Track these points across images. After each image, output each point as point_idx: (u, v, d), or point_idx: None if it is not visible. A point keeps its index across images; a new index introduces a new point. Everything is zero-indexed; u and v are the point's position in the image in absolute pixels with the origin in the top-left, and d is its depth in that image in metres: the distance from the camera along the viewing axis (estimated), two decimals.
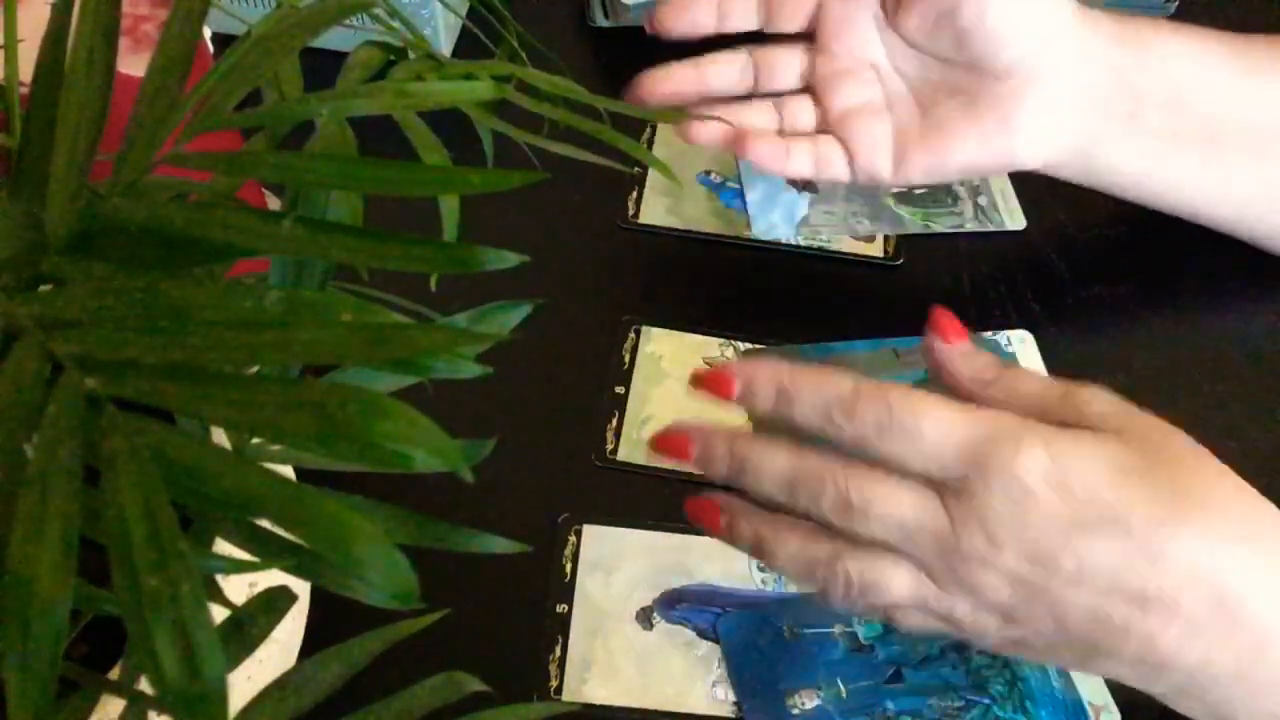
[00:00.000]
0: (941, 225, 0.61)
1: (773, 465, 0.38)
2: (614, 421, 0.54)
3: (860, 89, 0.52)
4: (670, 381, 0.55)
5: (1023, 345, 0.56)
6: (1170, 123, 0.51)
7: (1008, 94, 0.49)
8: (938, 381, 0.41)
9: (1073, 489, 0.35)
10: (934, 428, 0.36)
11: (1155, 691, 0.37)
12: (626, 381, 0.55)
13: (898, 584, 0.37)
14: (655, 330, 0.57)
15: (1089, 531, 0.35)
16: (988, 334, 0.56)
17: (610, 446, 0.53)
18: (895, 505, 0.36)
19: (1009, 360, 0.53)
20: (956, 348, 0.40)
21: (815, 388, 0.37)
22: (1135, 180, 0.53)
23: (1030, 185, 0.61)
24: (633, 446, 0.53)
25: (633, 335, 0.57)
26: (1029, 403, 0.37)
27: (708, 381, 0.40)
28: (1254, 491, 0.37)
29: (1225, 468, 0.37)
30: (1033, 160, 0.51)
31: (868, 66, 0.52)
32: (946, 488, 0.36)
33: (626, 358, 0.56)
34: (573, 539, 0.50)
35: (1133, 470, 0.35)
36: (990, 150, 0.51)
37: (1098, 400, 0.37)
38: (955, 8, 0.48)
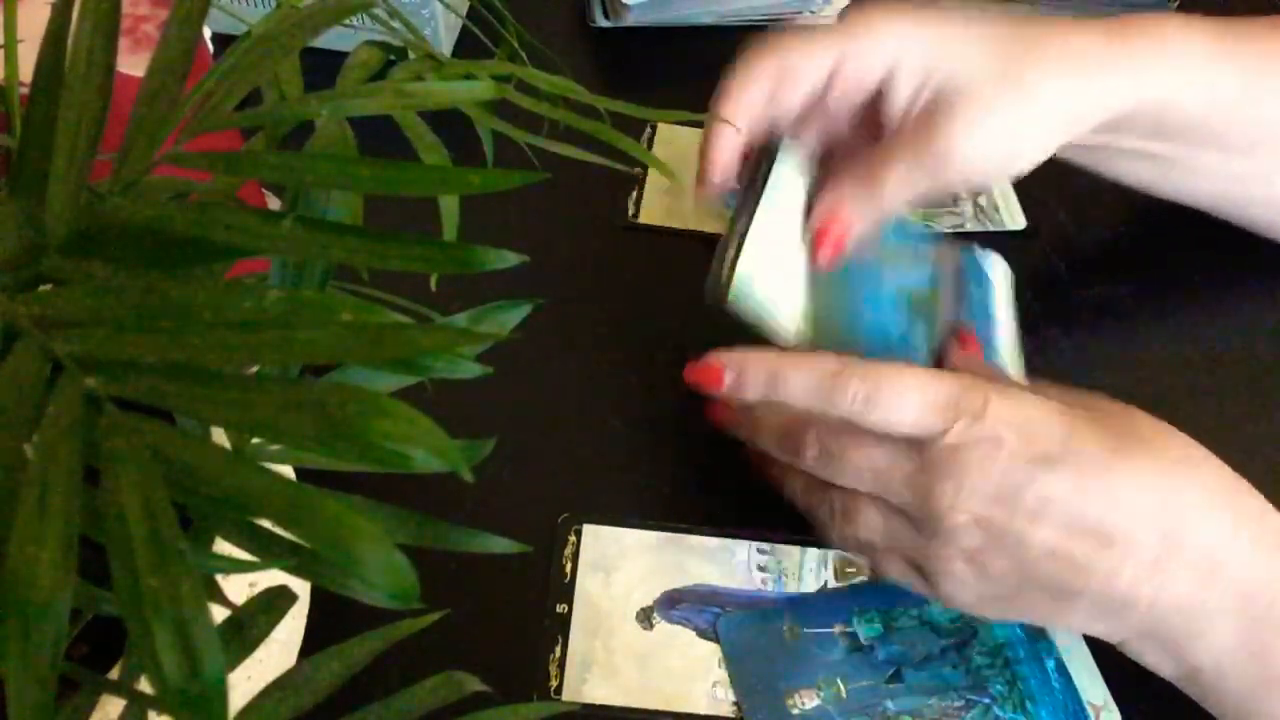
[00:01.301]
0: (941, 225, 0.61)
1: (768, 422, 0.44)
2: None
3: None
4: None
5: (992, 265, 0.54)
6: (1143, 140, 0.51)
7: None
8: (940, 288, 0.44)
9: (1035, 433, 0.38)
10: (915, 396, 0.39)
11: (1122, 640, 0.40)
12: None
13: (871, 516, 0.42)
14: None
15: (1047, 469, 0.38)
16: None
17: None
18: (867, 457, 0.41)
19: (982, 279, 0.53)
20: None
21: (803, 370, 0.41)
22: (1092, 165, 0.54)
23: (1030, 185, 0.61)
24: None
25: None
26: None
27: (698, 374, 0.43)
28: (1202, 449, 0.40)
29: (1182, 435, 0.40)
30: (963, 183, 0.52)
31: None
32: (922, 442, 0.39)
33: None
34: (573, 539, 0.50)
35: (1090, 420, 0.39)
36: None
37: (1059, 389, 0.40)
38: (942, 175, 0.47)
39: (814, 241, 0.47)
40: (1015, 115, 0.46)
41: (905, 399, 0.39)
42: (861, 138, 0.50)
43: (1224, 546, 0.38)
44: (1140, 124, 0.49)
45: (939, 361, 0.47)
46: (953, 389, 0.39)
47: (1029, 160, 0.47)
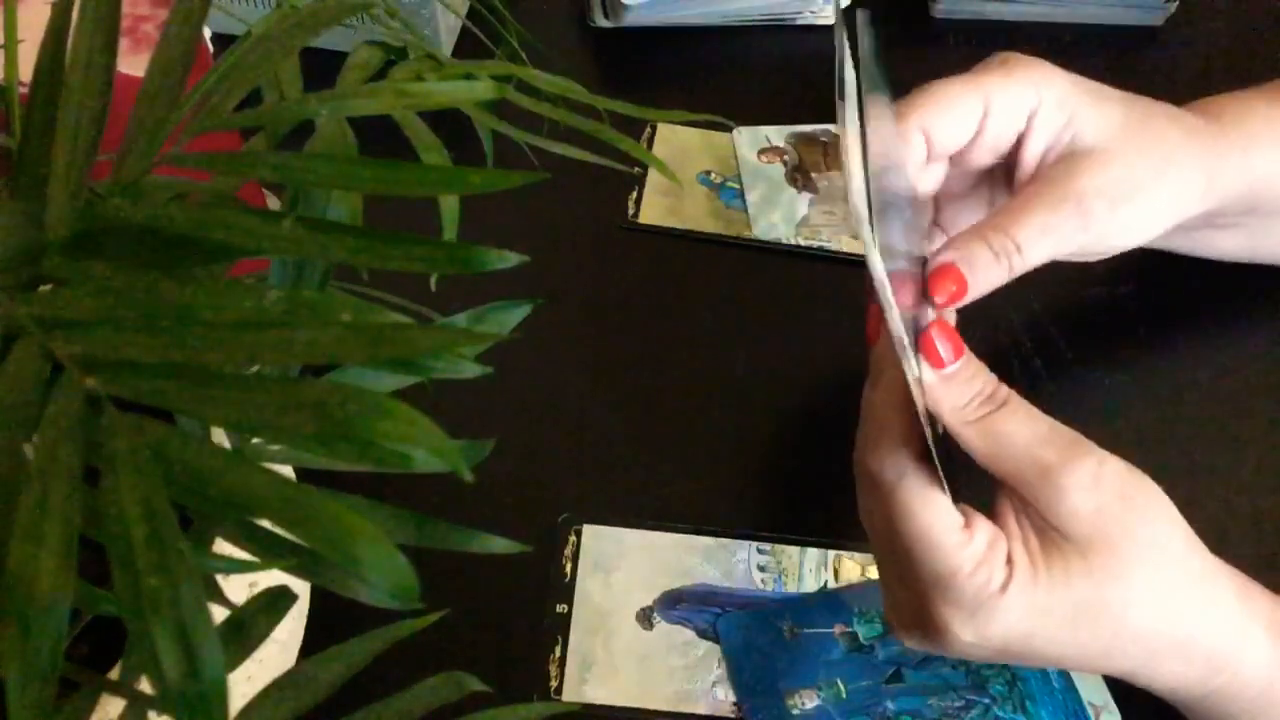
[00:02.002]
0: None
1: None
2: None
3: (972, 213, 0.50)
4: None
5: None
6: (1235, 220, 0.51)
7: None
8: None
9: (1009, 649, 0.38)
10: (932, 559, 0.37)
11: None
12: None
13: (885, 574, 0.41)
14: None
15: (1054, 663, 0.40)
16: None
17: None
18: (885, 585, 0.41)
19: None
20: (939, 376, 0.39)
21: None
22: (1180, 250, 0.54)
23: None
24: None
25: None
26: (1008, 465, 0.37)
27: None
28: (1198, 559, 0.39)
29: (1175, 534, 0.38)
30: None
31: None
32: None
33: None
34: (573, 539, 0.50)
35: (1057, 628, 0.37)
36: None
37: (1076, 495, 0.36)
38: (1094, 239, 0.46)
39: (931, 283, 0.42)
40: (1154, 180, 0.45)
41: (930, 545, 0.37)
42: (973, 186, 0.49)
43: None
44: (1240, 201, 0.49)
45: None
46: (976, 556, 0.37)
47: (1157, 227, 0.46)
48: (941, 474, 0.37)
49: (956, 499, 0.38)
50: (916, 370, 0.38)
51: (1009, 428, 0.37)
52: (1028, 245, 0.43)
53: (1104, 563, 0.36)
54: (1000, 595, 0.36)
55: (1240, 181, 0.48)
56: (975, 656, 0.39)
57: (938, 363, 0.38)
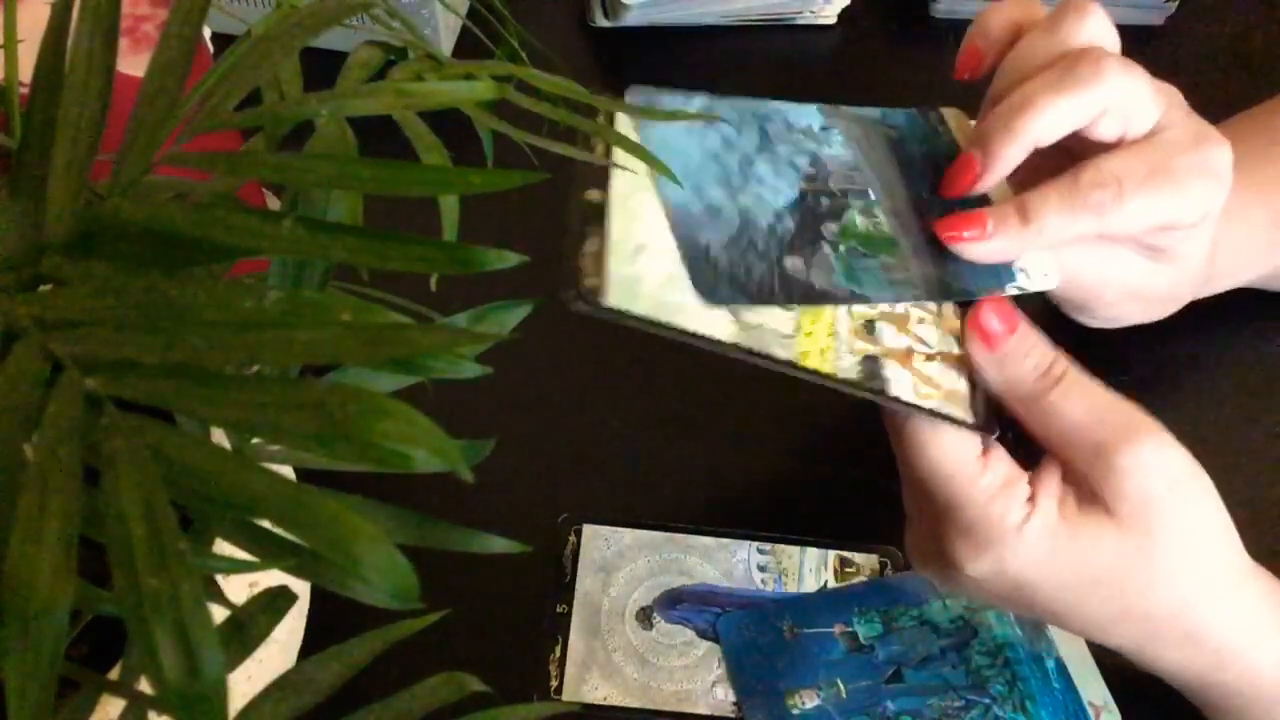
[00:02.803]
0: None
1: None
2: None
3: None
4: None
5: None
6: None
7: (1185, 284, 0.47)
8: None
9: (1019, 593, 0.38)
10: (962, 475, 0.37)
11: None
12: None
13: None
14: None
15: (1054, 619, 0.39)
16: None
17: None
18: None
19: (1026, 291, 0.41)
20: (993, 355, 0.38)
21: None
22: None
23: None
24: None
25: None
26: (1062, 442, 0.37)
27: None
28: (1226, 552, 0.38)
29: (1214, 529, 0.38)
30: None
31: None
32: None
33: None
34: (573, 539, 0.50)
35: (1071, 586, 0.37)
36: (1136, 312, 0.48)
37: (1129, 478, 0.36)
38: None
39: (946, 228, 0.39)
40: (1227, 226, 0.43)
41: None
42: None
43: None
44: None
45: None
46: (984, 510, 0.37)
47: (1231, 279, 0.48)
48: (959, 406, 0.37)
49: (992, 426, 0.37)
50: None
51: (1066, 406, 0.37)
52: (1127, 180, 0.38)
53: (1138, 543, 0.36)
54: (1016, 532, 0.36)
55: None
56: (985, 594, 0.38)
57: (990, 344, 0.38)
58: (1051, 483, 0.37)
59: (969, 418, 0.37)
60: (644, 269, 0.34)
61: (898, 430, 0.37)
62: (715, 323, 0.34)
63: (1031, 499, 0.37)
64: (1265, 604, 0.39)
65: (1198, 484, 0.37)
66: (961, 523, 0.37)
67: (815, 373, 0.35)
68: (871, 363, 0.36)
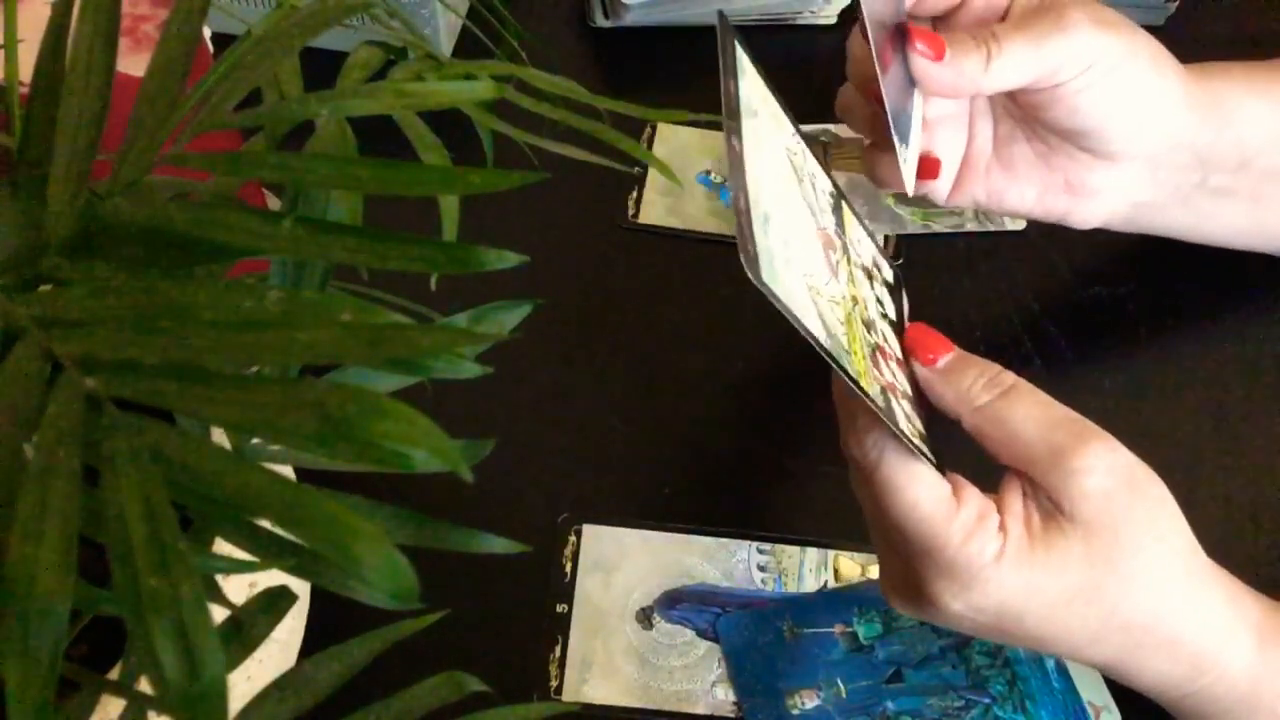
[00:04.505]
0: (941, 225, 0.61)
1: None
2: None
3: (952, 103, 0.49)
4: None
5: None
6: (1231, 182, 0.50)
7: (1085, 165, 0.48)
8: None
9: (1001, 624, 0.38)
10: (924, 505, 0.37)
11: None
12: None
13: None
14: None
15: (1039, 644, 0.39)
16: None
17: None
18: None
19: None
20: (936, 368, 0.39)
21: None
22: (1182, 230, 0.53)
23: None
24: None
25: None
26: (1019, 450, 0.37)
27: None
28: (1188, 558, 0.39)
29: (1176, 530, 0.38)
30: (1084, 224, 0.50)
31: None
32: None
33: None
34: (573, 539, 0.50)
35: (1050, 608, 0.37)
36: (1046, 204, 0.49)
37: (1087, 477, 0.36)
38: (1075, 111, 0.46)
39: (911, 37, 0.42)
40: (1134, 47, 0.45)
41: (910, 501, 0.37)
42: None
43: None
44: (1231, 152, 0.49)
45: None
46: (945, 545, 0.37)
47: (1144, 117, 0.46)
48: (925, 446, 0.37)
49: (943, 468, 0.38)
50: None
51: (1019, 412, 0.37)
52: (1004, 36, 0.43)
53: (1105, 550, 0.36)
54: (994, 566, 0.36)
55: (1225, 124, 0.48)
56: (967, 628, 0.38)
57: (934, 350, 0.39)
58: (1015, 504, 0.37)
59: (933, 458, 0.37)
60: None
61: (870, 472, 0.37)
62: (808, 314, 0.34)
63: (1001, 527, 0.37)
64: (1230, 606, 0.39)
65: (1153, 484, 0.37)
66: (941, 563, 0.37)
67: (866, 393, 0.35)
68: (886, 394, 0.36)
